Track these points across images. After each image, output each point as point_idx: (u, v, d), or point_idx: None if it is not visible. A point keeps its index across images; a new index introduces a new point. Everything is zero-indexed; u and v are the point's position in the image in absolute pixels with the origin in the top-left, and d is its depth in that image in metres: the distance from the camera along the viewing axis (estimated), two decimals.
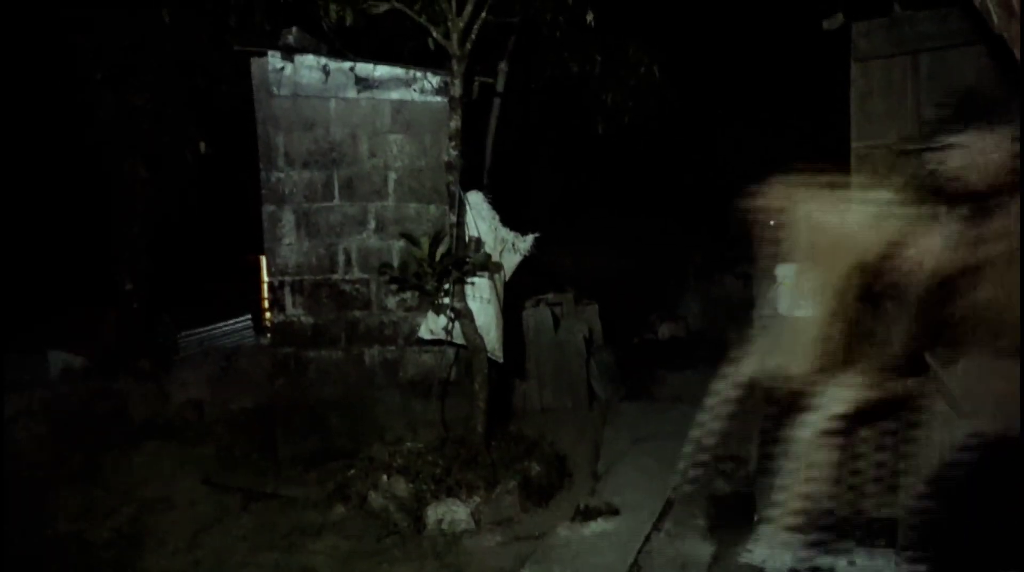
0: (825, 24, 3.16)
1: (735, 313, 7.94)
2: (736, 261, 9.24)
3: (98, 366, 6.25)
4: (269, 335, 5.47)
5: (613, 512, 3.77)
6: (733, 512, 3.80)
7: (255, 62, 4.71)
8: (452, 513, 3.82)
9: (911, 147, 3.04)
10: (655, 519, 3.72)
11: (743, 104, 10.30)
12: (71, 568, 3.57)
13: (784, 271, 3.22)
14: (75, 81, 6.18)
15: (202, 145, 6.40)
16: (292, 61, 4.69)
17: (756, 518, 3.47)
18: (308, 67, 4.73)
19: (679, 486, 4.10)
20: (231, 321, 6.68)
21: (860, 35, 3.10)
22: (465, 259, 4.31)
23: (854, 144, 3.09)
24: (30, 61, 6.34)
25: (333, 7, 4.21)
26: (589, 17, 4.63)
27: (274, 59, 4.69)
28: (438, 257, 4.17)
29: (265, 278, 5.04)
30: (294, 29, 4.71)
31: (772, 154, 10.78)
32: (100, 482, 4.51)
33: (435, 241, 4.18)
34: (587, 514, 3.77)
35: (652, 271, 9.44)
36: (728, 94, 10.06)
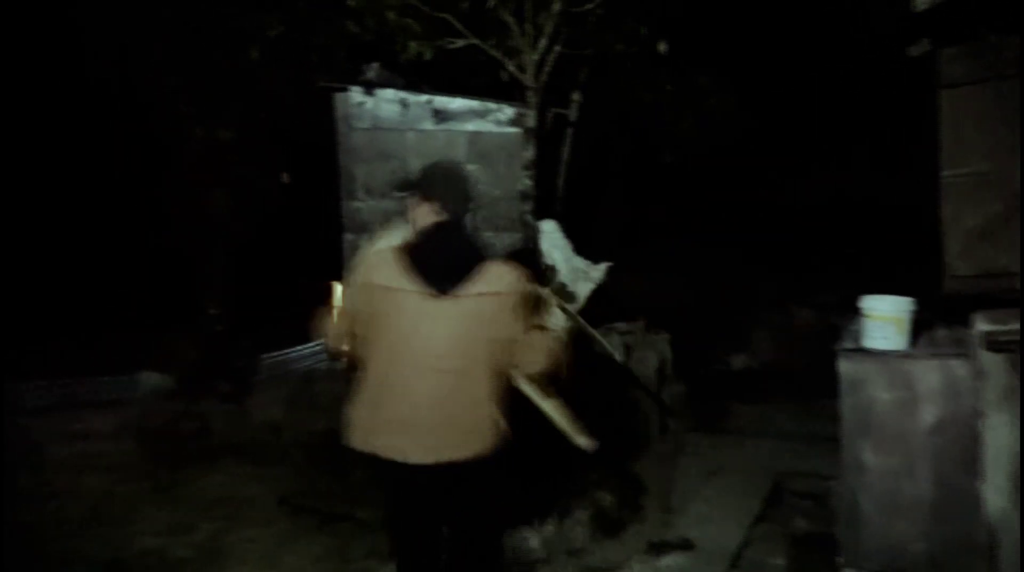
0: (910, 51, 3.09)
1: (809, 344, 7.72)
2: (811, 291, 8.98)
3: (182, 386, 6.54)
4: (344, 360, 5.61)
5: (688, 547, 3.68)
6: (814, 553, 3.66)
7: (337, 97, 4.91)
8: (524, 541, 3.81)
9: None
10: (732, 557, 3.62)
11: (816, 132, 10.13)
12: None
13: (871, 303, 3.13)
14: (168, 117, 6.59)
15: (284, 176, 6.69)
16: (372, 95, 4.88)
17: (840, 560, 3.33)
18: (387, 101, 4.90)
19: (757, 523, 3.98)
20: (308, 345, 6.89)
21: (948, 61, 3.01)
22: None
23: (944, 173, 3.00)
24: (128, 100, 6.79)
25: (412, 44, 4.38)
26: (661, 47, 4.66)
27: (355, 94, 4.89)
28: None
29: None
30: (375, 65, 4.90)
31: (846, 183, 10.54)
32: (183, 499, 4.69)
33: None
34: (661, 548, 3.70)
35: (723, 300, 9.27)
36: (802, 123, 9.91)
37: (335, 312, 2.58)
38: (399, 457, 2.45)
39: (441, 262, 2.45)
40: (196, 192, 7.05)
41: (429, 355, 2.43)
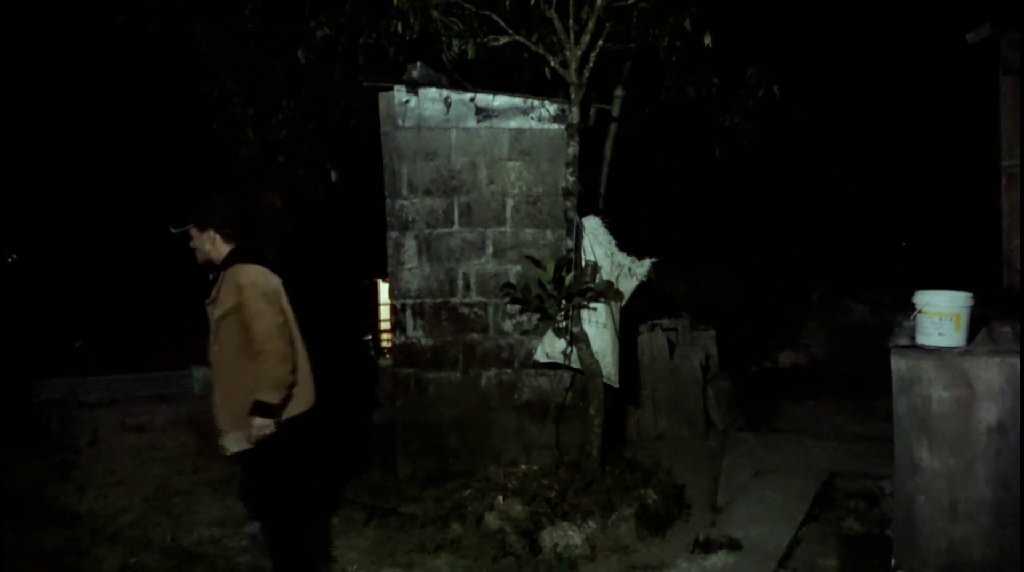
0: (970, 37, 2.97)
1: (863, 342, 7.53)
2: (864, 287, 8.76)
3: None
4: (389, 356, 5.69)
5: (735, 546, 3.63)
6: (866, 555, 3.58)
7: (382, 96, 4.97)
8: (567, 538, 3.81)
9: None
10: (781, 557, 3.55)
11: (868, 126, 9.87)
12: (212, 571, 3.82)
13: (926, 298, 3.03)
14: (225, 121, 6.78)
15: (333, 174, 6.80)
16: (416, 94, 4.92)
17: (893, 563, 3.25)
18: (431, 99, 4.94)
19: (806, 523, 3.90)
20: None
21: (1011, 47, 2.89)
22: (587, 285, 4.33)
23: (1004, 163, 2.89)
24: (190, 106, 7.01)
25: (456, 42, 4.40)
26: (707, 40, 4.58)
27: (400, 93, 4.94)
28: (566, 282, 4.23)
29: (385, 301, 5.26)
30: (419, 64, 4.93)
31: (901, 178, 10.23)
32: (236, 491, 4.80)
33: (559, 265, 4.24)
34: (707, 547, 3.65)
35: (772, 297, 9.10)
36: (853, 116, 9.67)
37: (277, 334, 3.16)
38: (304, 407, 3.26)
39: (274, 266, 3.30)
40: (249, 192, 7.22)
41: (297, 328, 3.31)
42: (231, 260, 3.24)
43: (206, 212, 3.26)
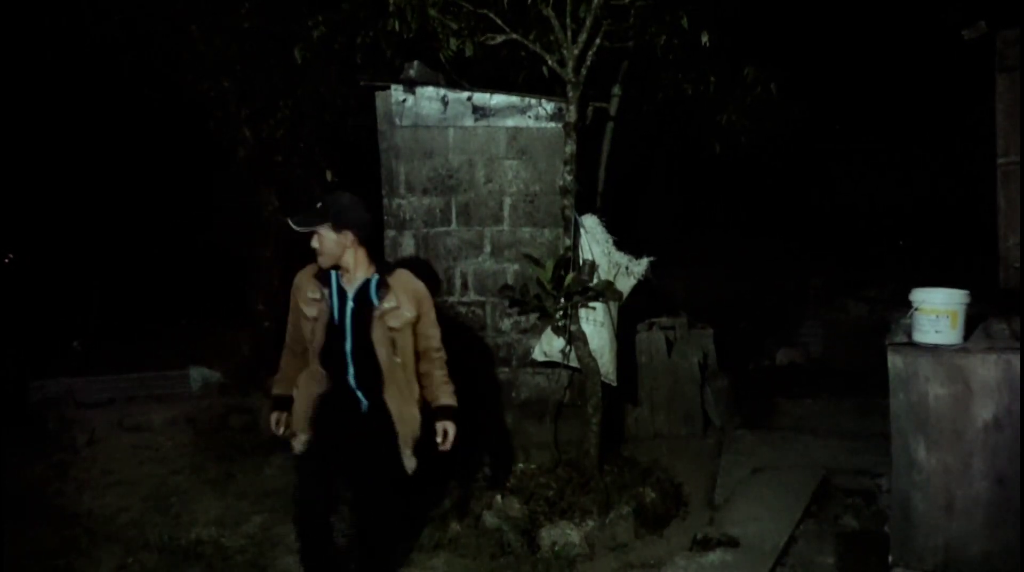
0: (965, 34, 2.98)
1: (860, 339, 7.54)
2: (861, 284, 8.78)
3: (233, 381, 6.71)
4: None
5: (733, 544, 3.64)
6: (864, 552, 3.59)
7: (379, 95, 4.97)
8: (566, 536, 3.82)
9: None
10: (778, 554, 3.56)
11: (865, 124, 9.88)
12: (210, 570, 3.82)
13: (923, 295, 3.04)
14: (221, 119, 6.78)
15: (328, 174, 6.80)
16: (413, 93, 4.91)
17: (890, 560, 3.25)
18: (428, 98, 4.93)
19: (804, 520, 3.91)
20: None
21: (1007, 44, 2.90)
22: (586, 284, 4.34)
23: (1000, 160, 2.89)
24: (187, 105, 7.00)
25: (453, 40, 4.40)
26: (704, 38, 4.58)
27: (396, 92, 4.93)
28: (566, 281, 4.23)
29: None
30: (415, 63, 4.93)
31: (894, 174, 10.25)
32: (234, 490, 4.82)
33: (558, 264, 4.24)
34: (705, 544, 3.66)
35: (769, 295, 9.12)
36: (850, 114, 9.68)
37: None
38: None
39: None
40: (246, 192, 7.23)
41: None
42: (389, 266, 3.11)
43: (343, 211, 2.93)
